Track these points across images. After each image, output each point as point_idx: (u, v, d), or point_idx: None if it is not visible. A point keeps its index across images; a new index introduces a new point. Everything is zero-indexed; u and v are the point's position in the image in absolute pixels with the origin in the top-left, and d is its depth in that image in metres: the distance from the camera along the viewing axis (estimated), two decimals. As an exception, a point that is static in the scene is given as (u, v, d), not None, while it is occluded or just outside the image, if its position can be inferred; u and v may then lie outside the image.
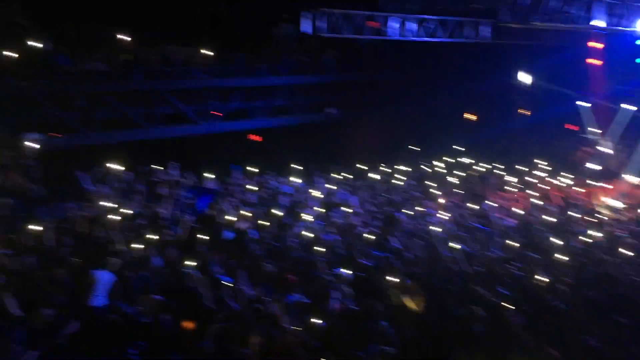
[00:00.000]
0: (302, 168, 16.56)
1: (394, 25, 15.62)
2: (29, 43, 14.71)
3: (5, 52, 14.48)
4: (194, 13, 19.04)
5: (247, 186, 14.88)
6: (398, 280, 8.89)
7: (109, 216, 11.30)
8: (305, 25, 14.20)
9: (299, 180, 15.83)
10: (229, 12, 19.40)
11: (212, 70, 18.23)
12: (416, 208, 14.05)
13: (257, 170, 16.03)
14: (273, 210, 12.80)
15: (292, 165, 16.55)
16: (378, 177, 17.18)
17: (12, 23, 15.42)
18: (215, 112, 18.45)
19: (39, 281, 8.74)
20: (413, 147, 20.90)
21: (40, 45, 15.10)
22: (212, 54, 18.14)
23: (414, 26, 15.98)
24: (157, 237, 10.50)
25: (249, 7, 19.44)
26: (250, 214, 12.36)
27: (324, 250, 10.29)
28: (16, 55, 14.63)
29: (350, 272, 9.23)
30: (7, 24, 15.38)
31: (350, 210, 13.42)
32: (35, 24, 15.90)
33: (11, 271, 8.71)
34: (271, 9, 19.83)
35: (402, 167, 18.35)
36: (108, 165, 13.90)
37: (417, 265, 10.10)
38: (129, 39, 16.93)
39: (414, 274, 9.44)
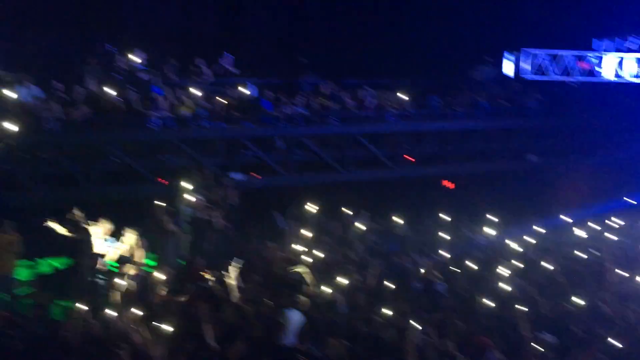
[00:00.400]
0: (498, 219, 15.94)
1: (609, 65, 14.61)
2: (239, 89, 16.15)
3: (217, 98, 16.09)
4: (389, 58, 19.57)
5: (439, 234, 14.69)
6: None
7: (302, 257, 11.82)
8: (507, 67, 13.84)
9: (495, 232, 15.24)
10: (424, 55, 19.62)
11: (407, 113, 18.47)
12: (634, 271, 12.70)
13: (449, 218, 15.77)
14: (466, 262, 12.46)
15: (487, 215, 16.02)
16: (584, 234, 15.86)
17: (225, 71, 17.16)
18: (408, 157, 18.58)
19: (235, 316, 9.39)
20: (629, 200, 19.08)
21: (248, 92, 16.58)
22: (407, 97, 18.42)
23: (633, 66, 14.80)
24: (346, 280, 10.74)
25: (445, 49, 19.50)
26: (440, 265, 12.16)
27: (525, 309, 9.68)
28: (226, 102, 16.19)
29: (556, 337, 8.57)
30: (221, 72, 17.16)
31: (551, 267, 12.59)
32: (243, 72, 17.61)
33: (211, 304, 9.46)
34: (470, 50, 19.71)
35: (616, 222, 16.76)
36: (303, 206, 14.60)
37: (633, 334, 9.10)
38: (327, 84, 17.88)
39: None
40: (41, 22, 17.12)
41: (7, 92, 13.05)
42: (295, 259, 12.14)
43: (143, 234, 12.18)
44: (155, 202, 12.75)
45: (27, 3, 17.05)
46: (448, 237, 14.65)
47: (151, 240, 12.42)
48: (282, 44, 20.36)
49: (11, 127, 12.56)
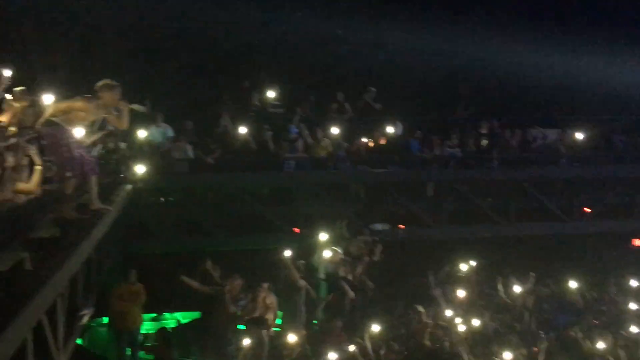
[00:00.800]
0: None
1: None
2: (386, 129, 16.52)
3: (362, 139, 16.51)
4: (562, 91, 19.16)
5: (628, 305, 13.92)
6: None
7: (454, 325, 11.71)
8: None
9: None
10: (604, 88, 19.02)
11: (584, 156, 17.87)
12: None
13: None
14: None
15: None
16: None
17: (367, 108, 17.61)
18: (585, 209, 17.90)
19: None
20: None
21: (392, 130, 16.84)
22: (581, 136, 17.84)
23: None
24: (509, 355, 10.51)
25: (630, 80, 18.79)
26: (629, 345, 11.54)
27: None
28: (368, 142, 16.55)
29: None
30: (363, 109, 17.63)
31: None
32: (388, 109, 17.94)
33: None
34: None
35: None
36: (456, 264, 14.49)
37: None
38: (487, 121, 17.77)
39: None
40: (171, 57, 18.62)
41: (139, 131, 14.21)
42: (447, 328, 12.06)
43: (273, 290, 12.68)
44: (286, 253, 13.24)
45: (158, 37, 18.64)
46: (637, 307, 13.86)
47: (281, 297, 12.88)
48: (433, 75, 20.58)
49: (139, 168, 13.62)
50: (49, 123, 7.85)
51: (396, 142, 16.94)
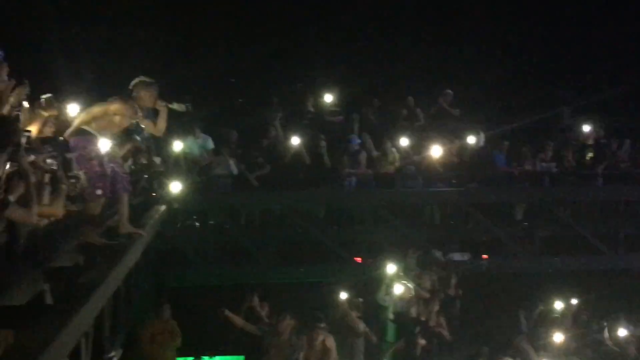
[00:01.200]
0: None
1: None
2: (466, 140, 16.40)
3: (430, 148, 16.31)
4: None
5: None
6: None
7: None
8: None
9: None
10: None
11: None
12: None
13: None
14: None
15: None
16: None
17: (443, 114, 17.49)
18: None
19: None
20: None
21: (473, 141, 16.63)
22: None
23: None
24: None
25: None
26: None
27: None
28: (447, 156, 16.34)
29: None
30: (437, 115, 17.50)
31: None
32: (468, 115, 17.78)
33: None
34: None
35: None
36: (552, 303, 14.23)
37: None
38: (591, 129, 17.41)
39: None
40: (211, 55, 18.76)
41: (174, 143, 14.34)
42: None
43: (330, 332, 12.57)
44: (342, 295, 13.11)
45: (193, 31, 18.84)
46: None
47: (337, 341, 12.76)
48: (524, 73, 20.32)
49: (175, 186, 13.74)
50: (79, 132, 7.92)
51: (478, 155, 16.75)
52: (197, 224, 15.56)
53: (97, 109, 8.15)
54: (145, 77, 8.38)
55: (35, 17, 16.42)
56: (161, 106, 8.43)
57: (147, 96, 8.28)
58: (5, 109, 7.10)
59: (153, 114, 8.68)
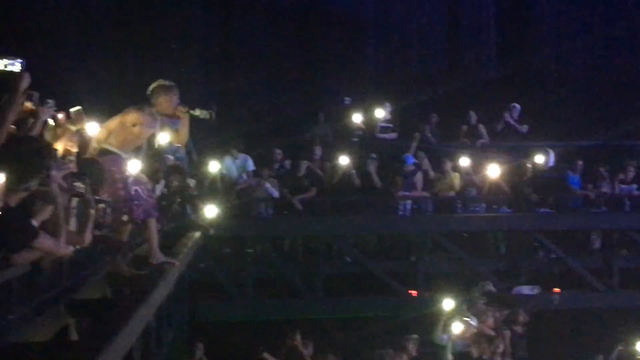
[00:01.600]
0: None
1: None
2: (535, 159, 16.36)
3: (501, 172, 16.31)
4: None
5: None
6: None
7: None
8: None
9: None
10: None
11: None
12: None
13: None
14: None
15: None
16: None
17: (508, 131, 17.44)
18: None
19: None
20: None
21: (543, 160, 16.55)
22: None
23: None
24: None
25: None
26: None
27: None
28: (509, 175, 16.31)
29: None
30: (502, 133, 17.45)
31: None
32: (537, 132, 17.71)
33: None
34: None
35: None
36: (634, 342, 14.07)
37: None
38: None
39: None
40: (247, 64, 18.93)
41: (210, 163, 14.51)
42: None
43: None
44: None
45: (226, 37, 19.07)
46: None
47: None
48: (601, 83, 20.20)
49: (211, 210, 13.82)
50: (102, 152, 7.98)
51: (549, 177, 16.69)
52: (234, 250, 15.68)
53: (112, 123, 8.05)
54: (163, 81, 8.28)
55: (50, 30, 16.79)
56: (182, 113, 8.34)
57: (166, 102, 8.16)
58: (37, 130, 7.12)
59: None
